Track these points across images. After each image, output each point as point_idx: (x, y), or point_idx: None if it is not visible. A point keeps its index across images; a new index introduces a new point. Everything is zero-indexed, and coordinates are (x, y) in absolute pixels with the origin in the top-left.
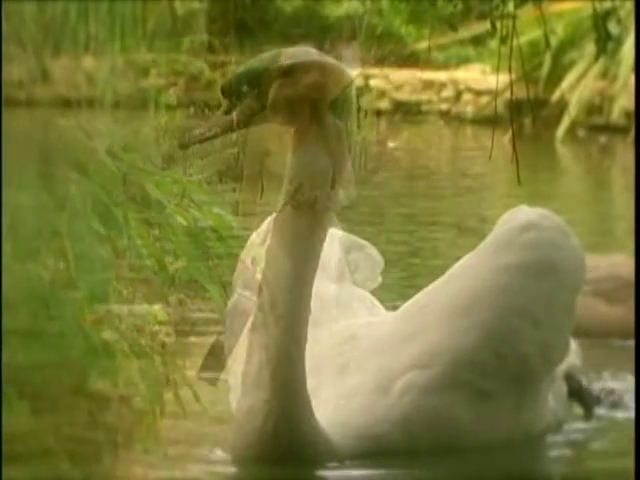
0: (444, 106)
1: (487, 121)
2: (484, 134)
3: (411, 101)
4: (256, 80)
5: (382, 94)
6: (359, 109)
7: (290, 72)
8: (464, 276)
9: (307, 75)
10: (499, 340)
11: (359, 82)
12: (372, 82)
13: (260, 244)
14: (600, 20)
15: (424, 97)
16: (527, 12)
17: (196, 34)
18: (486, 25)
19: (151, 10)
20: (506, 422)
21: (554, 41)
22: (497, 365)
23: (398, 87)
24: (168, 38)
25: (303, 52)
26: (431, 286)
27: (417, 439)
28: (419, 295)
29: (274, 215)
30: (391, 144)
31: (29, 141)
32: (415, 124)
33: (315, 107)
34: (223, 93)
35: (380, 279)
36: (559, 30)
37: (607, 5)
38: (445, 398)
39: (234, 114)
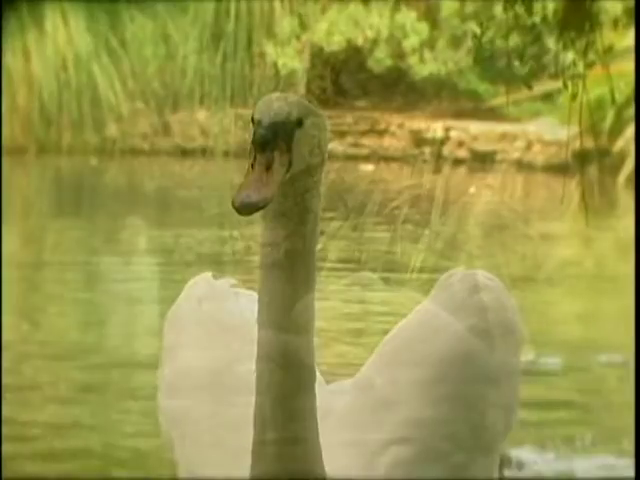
0: (516, 155)
1: (554, 169)
2: (553, 180)
3: (487, 150)
4: (283, 132)
5: (461, 144)
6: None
7: (302, 123)
8: (426, 341)
9: (315, 126)
10: (470, 409)
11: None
12: (452, 133)
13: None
14: None
15: (499, 147)
16: (593, 70)
17: (296, 91)
18: (555, 83)
19: (258, 69)
20: None
21: (619, 97)
22: (469, 435)
23: (475, 138)
24: (272, 94)
25: (297, 100)
26: (384, 348)
27: None
28: (374, 359)
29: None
30: (471, 189)
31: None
32: (490, 172)
33: (317, 165)
34: (257, 146)
35: None
36: (622, 86)
37: None
38: (432, 472)
39: (277, 170)
